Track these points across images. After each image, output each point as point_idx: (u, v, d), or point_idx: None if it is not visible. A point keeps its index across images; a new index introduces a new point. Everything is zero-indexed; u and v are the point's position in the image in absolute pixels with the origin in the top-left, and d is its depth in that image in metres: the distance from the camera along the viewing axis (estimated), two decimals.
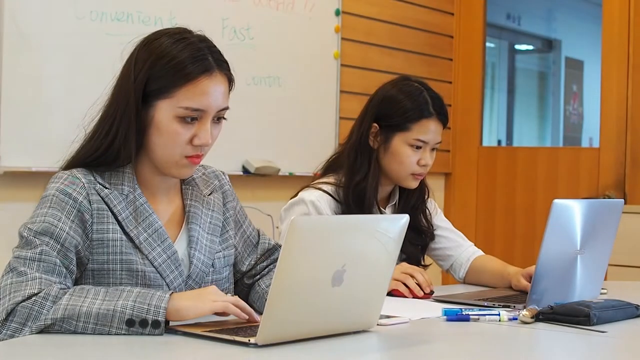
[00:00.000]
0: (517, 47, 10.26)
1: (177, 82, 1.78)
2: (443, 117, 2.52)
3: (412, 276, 2.31)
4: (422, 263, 2.63)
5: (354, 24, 4.43)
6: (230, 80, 1.88)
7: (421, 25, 4.83)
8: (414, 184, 2.54)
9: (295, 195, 2.53)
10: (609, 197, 4.34)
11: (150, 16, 3.52)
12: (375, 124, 2.51)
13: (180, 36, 1.83)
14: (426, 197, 2.64)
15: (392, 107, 2.50)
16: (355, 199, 2.47)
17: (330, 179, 2.53)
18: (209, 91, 1.80)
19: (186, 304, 1.66)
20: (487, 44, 10.19)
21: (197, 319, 1.75)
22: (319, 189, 2.50)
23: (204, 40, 1.85)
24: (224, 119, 1.87)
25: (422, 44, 4.84)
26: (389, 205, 2.60)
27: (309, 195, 2.48)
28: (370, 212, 2.49)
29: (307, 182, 2.58)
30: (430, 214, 2.64)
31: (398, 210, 2.60)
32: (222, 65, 1.85)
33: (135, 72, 1.80)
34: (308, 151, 4.05)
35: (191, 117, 1.80)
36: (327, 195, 2.48)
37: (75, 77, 3.30)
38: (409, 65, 4.67)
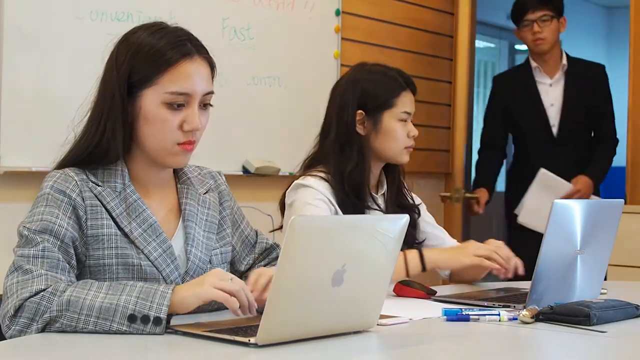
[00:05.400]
0: (517, 47, 10.25)
1: (159, 69, 1.81)
2: (413, 87, 2.62)
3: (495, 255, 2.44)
4: (417, 240, 2.65)
5: (354, 24, 4.43)
6: (212, 65, 1.90)
7: (421, 25, 4.82)
8: (407, 158, 2.61)
9: (288, 187, 2.56)
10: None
11: (150, 16, 3.51)
12: (360, 111, 2.54)
13: (156, 27, 1.87)
14: (401, 174, 2.69)
15: (372, 90, 2.56)
16: (351, 187, 2.51)
17: (320, 170, 2.55)
18: (191, 74, 1.83)
19: (187, 294, 1.68)
20: (487, 44, 10.18)
21: (197, 319, 1.76)
22: (315, 176, 2.52)
23: (180, 29, 1.89)
24: (211, 105, 1.89)
25: (422, 44, 4.83)
26: (380, 194, 2.62)
27: (307, 181, 2.51)
28: (365, 199, 2.52)
29: None
30: (407, 189, 2.71)
31: (388, 195, 2.64)
32: (201, 50, 1.87)
33: (117, 67, 1.83)
34: (308, 151, 4.04)
35: (178, 103, 1.82)
36: (324, 181, 2.51)
37: (76, 77, 3.29)
38: (409, 65, 4.66)
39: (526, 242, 3.97)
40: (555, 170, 4.04)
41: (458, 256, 2.44)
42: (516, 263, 2.47)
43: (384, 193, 2.63)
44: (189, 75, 1.82)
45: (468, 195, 4.23)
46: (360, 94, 2.56)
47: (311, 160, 2.64)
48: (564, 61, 4.14)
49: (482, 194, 4.21)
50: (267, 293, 1.61)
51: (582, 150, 4.15)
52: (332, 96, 2.63)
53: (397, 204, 2.65)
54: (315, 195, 2.47)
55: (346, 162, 2.52)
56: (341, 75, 4.30)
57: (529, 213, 4.07)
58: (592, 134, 4.22)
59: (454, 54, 4.73)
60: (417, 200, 2.73)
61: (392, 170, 2.66)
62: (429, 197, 2.74)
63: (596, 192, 4.14)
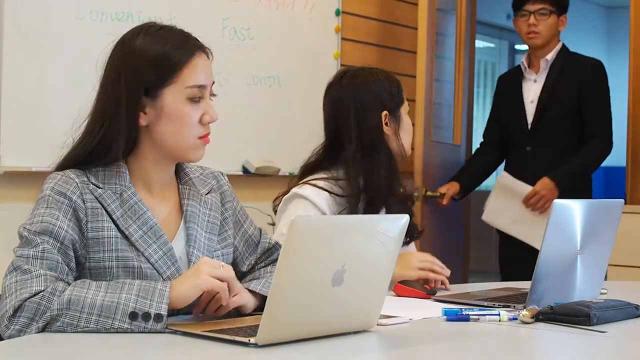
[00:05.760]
0: (517, 47, 10.26)
1: (176, 66, 1.84)
2: None
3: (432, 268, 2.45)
4: (418, 229, 2.65)
5: (354, 24, 4.43)
6: (210, 56, 1.95)
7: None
8: (410, 150, 2.65)
9: (287, 192, 2.54)
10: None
11: (150, 16, 3.50)
12: (385, 112, 2.55)
13: (155, 28, 1.89)
14: None
15: (385, 89, 2.56)
16: (382, 190, 2.50)
17: (321, 175, 2.54)
18: (204, 66, 1.88)
19: (185, 287, 1.70)
20: (487, 44, 10.18)
21: (197, 319, 1.76)
22: (314, 185, 2.50)
23: (175, 27, 1.92)
24: (215, 95, 1.95)
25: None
26: None
27: (304, 191, 2.49)
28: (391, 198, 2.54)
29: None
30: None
31: None
32: (202, 44, 1.92)
33: (126, 72, 1.83)
34: (308, 151, 4.03)
35: (198, 97, 1.86)
36: (324, 191, 2.49)
37: (75, 77, 3.29)
38: (409, 65, 4.67)
39: (516, 244, 3.95)
40: (528, 170, 3.90)
41: (404, 271, 2.41)
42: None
43: None
44: (202, 68, 1.87)
45: (430, 193, 4.16)
46: (380, 96, 2.55)
47: (312, 165, 2.60)
48: (549, 56, 3.95)
49: (451, 188, 4.10)
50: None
51: (560, 150, 3.90)
52: (338, 107, 2.56)
53: (397, 195, 2.65)
54: (307, 211, 2.45)
55: (380, 165, 2.51)
56: None
57: (491, 212, 4.02)
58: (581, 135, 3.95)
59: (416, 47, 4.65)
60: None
61: None
62: None
63: (587, 194, 3.95)
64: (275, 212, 2.59)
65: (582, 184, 3.96)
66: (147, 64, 1.83)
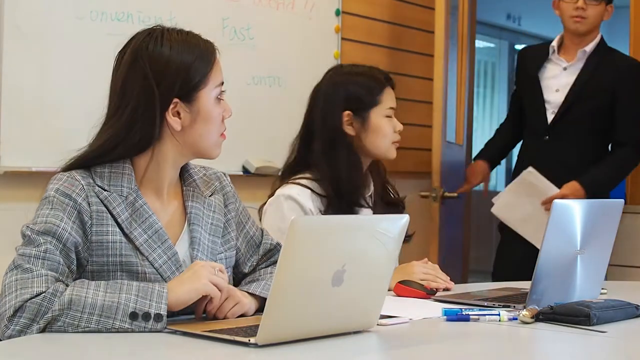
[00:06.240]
0: (517, 47, 10.27)
1: (206, 69, 1.87)
2: (393, 83, 2.67)
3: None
4: (407, 233, 2.64)
5: (354, 24, 4.43)
6: None
7: (421, 25, 4.82)
8: (395, 153, 2.65)
9: (272, 193, 2.56)
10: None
11: (150, 16, 3.52)
12: (348, 112, 2.56)
13: (173, 34, 1.88)
14: (384, 170, 2.72)
15: (356, 90, 2.58)
16: (349, 189, 2.52)
17: (306, 175, 2.55)
18: (220, 63, 1.92)
19: (184, 290, 1.72)
20: (487, 44, 10.18)
21: (198, 319, 1.76)
22: (298, 184, 2.53)
23: (183, 30, 1.93)
24: None
25: (422, 44, 4.83)
26: (367, 195, 2.62)
27: (288, 190, 2.50)
28: (361, 198, 2.56)
29: None
30: (391, 185, 2.73)
31: (374, 194, 2.65)
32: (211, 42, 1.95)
33: (159, 80, 1.82)
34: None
35: (220, 93, 1.90)
36: (307, 189, 2.51)
37: (76, 77, 3.29)
38: (409, 65, 4.67)
39: (515, 245, 3.88)
40: (544, 161, 3.72)
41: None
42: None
43: (370, 194, 2.64)
44: (220, 64, 1.91)
45: (447, 194, 4.13)
46: (345, 96, 2.58)
47: (293, 166, 2.62)
48: (588, 47, 3.71)
49: (485, 177, 3.99)
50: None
51: (578, 149, 3.70)
52: (314, 102, 2.63)
53: (384, 201, 2.67)
54: (292, 211, 2.46)
55: (339, 164, 2.53)
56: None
57: (503, 206, 3.84)
58: (607, 137, 3.74)
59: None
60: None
61: (375, 168, 2.68)
62: (412, 196, 2.74)
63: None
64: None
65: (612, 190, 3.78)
66: (181, 72, 1.84)
